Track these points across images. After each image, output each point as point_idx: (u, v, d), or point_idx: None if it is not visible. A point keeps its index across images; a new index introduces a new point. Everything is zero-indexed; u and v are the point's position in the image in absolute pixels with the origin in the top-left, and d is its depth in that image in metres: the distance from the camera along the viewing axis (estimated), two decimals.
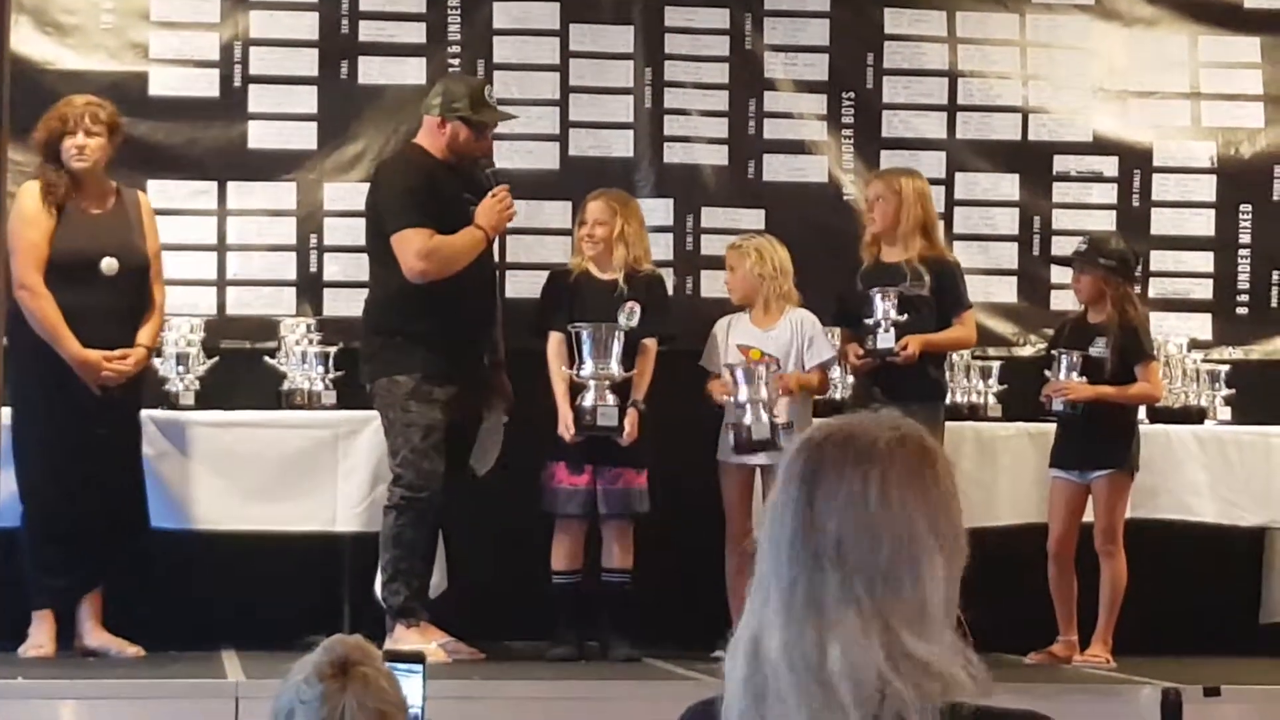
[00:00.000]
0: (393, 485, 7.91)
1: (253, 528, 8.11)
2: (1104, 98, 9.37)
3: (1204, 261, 9.40)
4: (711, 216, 9.08)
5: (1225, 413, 9.04)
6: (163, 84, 8.74)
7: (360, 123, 8.88)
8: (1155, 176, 9.38)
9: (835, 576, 2.26)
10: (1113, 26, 9.38)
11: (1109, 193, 9.37)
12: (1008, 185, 9.31)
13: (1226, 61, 9.43)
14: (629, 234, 8.20)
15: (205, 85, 8.78)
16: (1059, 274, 9.03)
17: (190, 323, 8.47)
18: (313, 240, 8.85)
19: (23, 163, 7.89)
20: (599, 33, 9.07)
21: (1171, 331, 9.16)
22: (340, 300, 8.74)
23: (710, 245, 8.96)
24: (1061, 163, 9.34)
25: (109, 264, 7.75)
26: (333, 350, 8.46)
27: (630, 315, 8.15)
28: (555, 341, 8.18)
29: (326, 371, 8.45)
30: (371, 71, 8.91)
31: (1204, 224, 9.41)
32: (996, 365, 8.99)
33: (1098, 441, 8.29)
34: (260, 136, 8.82)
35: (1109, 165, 9.36)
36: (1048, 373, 8.45)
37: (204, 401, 8.35)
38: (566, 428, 8.05)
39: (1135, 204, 9.37)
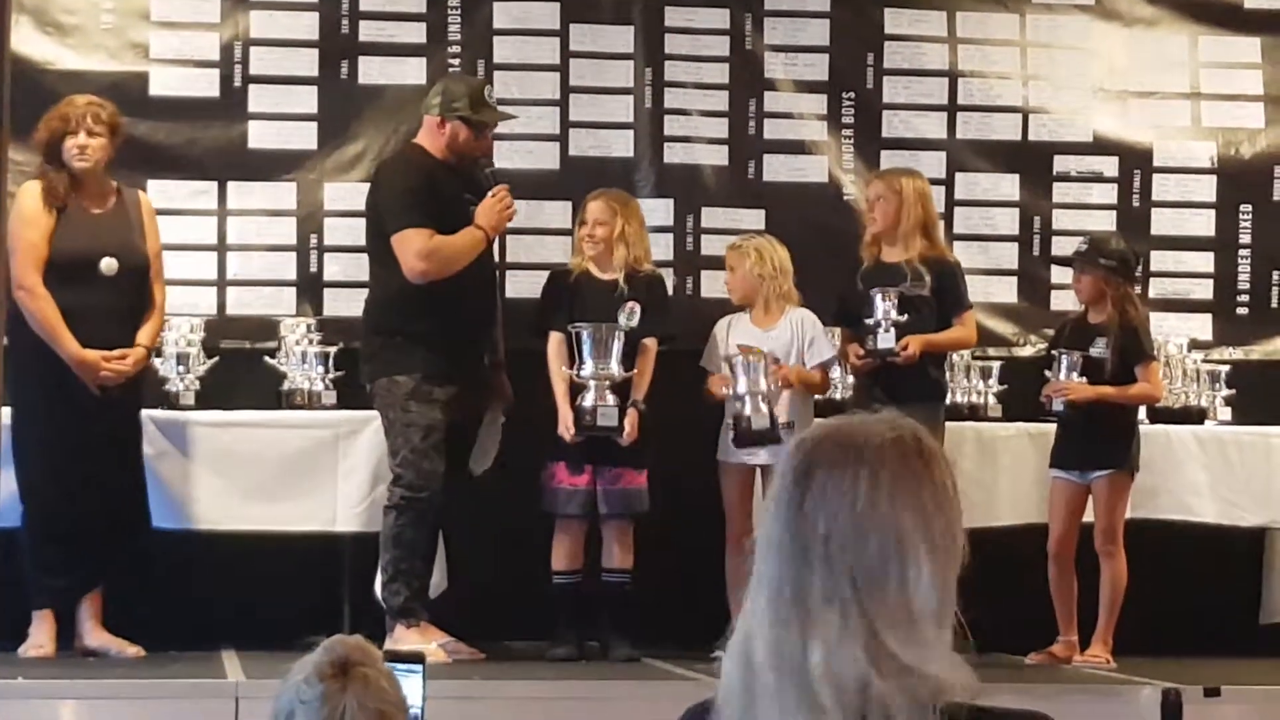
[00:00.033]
0: (393, 485, 7.91)
1: (253, 528, 8.11)
2: (1104, 98, 9.37)
3: (1204, 262, 9.40)
4: (712, 216, 9.08)
5: (1225, 413, 9.04)
6: (163, 84, 8.75)
7: (360, 123, 8.88)
8: (1155, 177, 9.39)
9: (821, 576, 2.26)
10: (1113, 26, 9.39)
11: (1109, 193, 9.37)
12: (1008, 185, 9.31)
13: (1227, 62, 9.43)
14: (629, 234, 8.20)
15: (205, 85, 8.78)
16: (1059, 274, 9.03)
17: (190, 323, 8.48)
18: (313, 240, 8.85)
19: (23, 163, 7.89)
20: (599, 33, 9.07)
21: (1172, 332, 9.16)
22: (340, 300, 8.74)
23: (710, 245, 8.96)
24: (1062, 163, 9.35)
25: (108, 264, 7.75)
26: (333, 350, 8.46)
27: (630, 315, 8.15)
28: (555, 341, 8.18)
29: (326, 371, 8.46)
30: (372, 71, 8.91)
31: (1204, 224, 9.41)
32: (997, 365, 9.00)
33: (1098, 442, 8.29)
34: (260, 136, 8.83)
35: (1109, 165, 9.36)
36: (1048, 373, 8.45)
37: (204, 401, 8.35)
38: (566, 428, 8.05)
39: (1135, 204, 9.37)
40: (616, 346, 8.08)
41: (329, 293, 8.82)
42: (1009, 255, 9.29)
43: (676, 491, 8.26)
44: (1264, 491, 8.80)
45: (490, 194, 7.97)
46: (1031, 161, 9.30)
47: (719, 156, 9.11)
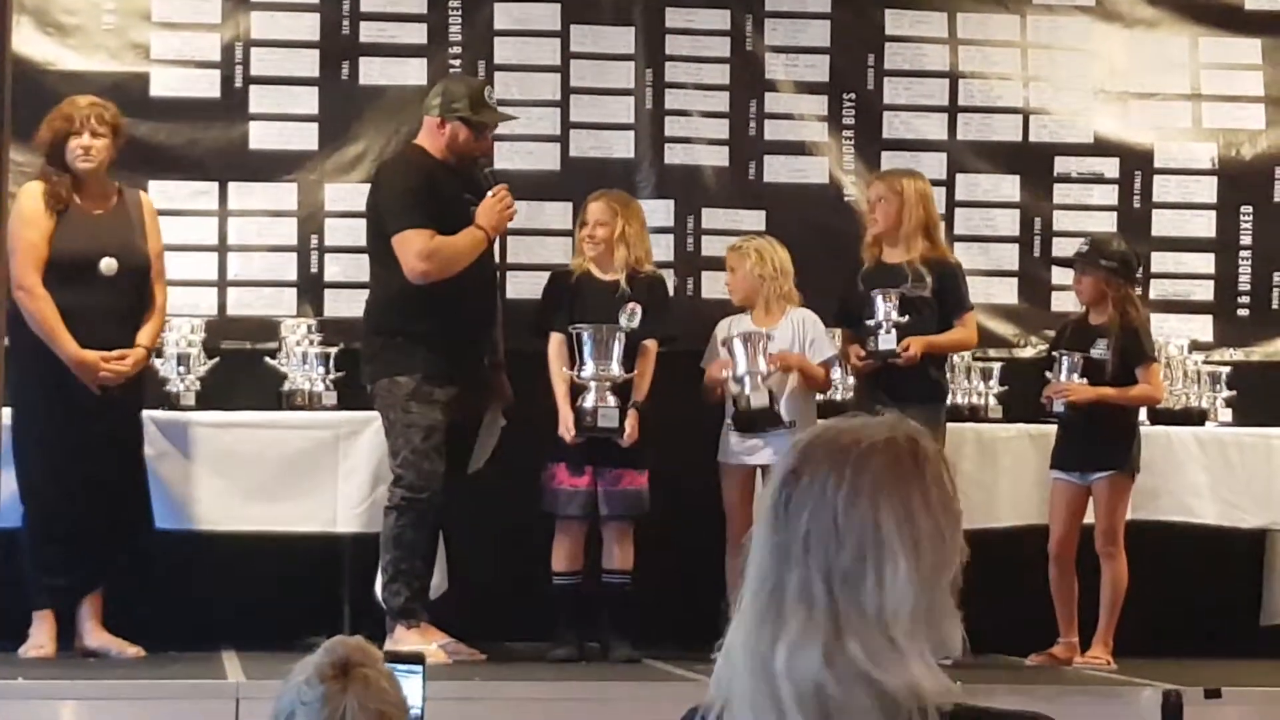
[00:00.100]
0: (393, 486, 7.91)
1: (253, 528, 8.11)
2: (1105, 99, 9.37)
3: (1205, 263, 9.40)
4: (712, 217, 9.08)
5: (1226, 414, 9.04)
6: (164, 85, 8.75)
7: (361, 123, 8.88)
8: (1156, 178, 9.39)
9: (798, 574, 2.26)
10: (1114, 28, 9.39)
11: (1110, 194, 9.37)
12: (1008, 186, 9.31)
13: (1227, 63, 9.43)
14: (630, 235, 8.20)
15: (206, 86, 8.78)
16: (1060, 275, 9.03)
17: (191, 323, 8.48)
18: (313, 241, 8.85)
19: (24, 163, 7.89)
20: (600, 34, 9.07)
21: (1172, 333, 9.16)
22: (341, 301, 8.74)
23: (711, 246, 8.96)
24: (1062, 164, 9.35)
25: (108, 264, 7.75)
26: (333, 351, 8.46)
27: (631, 316, 8.14)
28: (556, 342, 8.18)
29: (327, 372, 8.46)
30: (372, 72, 8.91)
31: (1205, 225, 9.41)
32: (997, 366, 8.99)
33: (1098, 443, 8.29)
34: (261, 137, 8.83)
35: (1110, 167, 9.36)
36: (1049, 374, 8.45)
37: (204, 402, 8.35)
38: (567, 429, 8.05)
39: (1136, 205, 9.37)
40: (617, 348, 8.08)
41: (329, 293, 8.82)
42: (1009, 256, 9.29)
43: (677, 492, 8.26)
44: (1264, 493, 8.80)
45: (490, 194, 7.97)
46: (1032, 163, 9.30)
47: (719, 157, 9.11)
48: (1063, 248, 9.06)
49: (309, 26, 8.88)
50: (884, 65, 9.22)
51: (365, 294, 8.24)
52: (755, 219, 9.02)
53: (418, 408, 7.83)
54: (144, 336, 7.81)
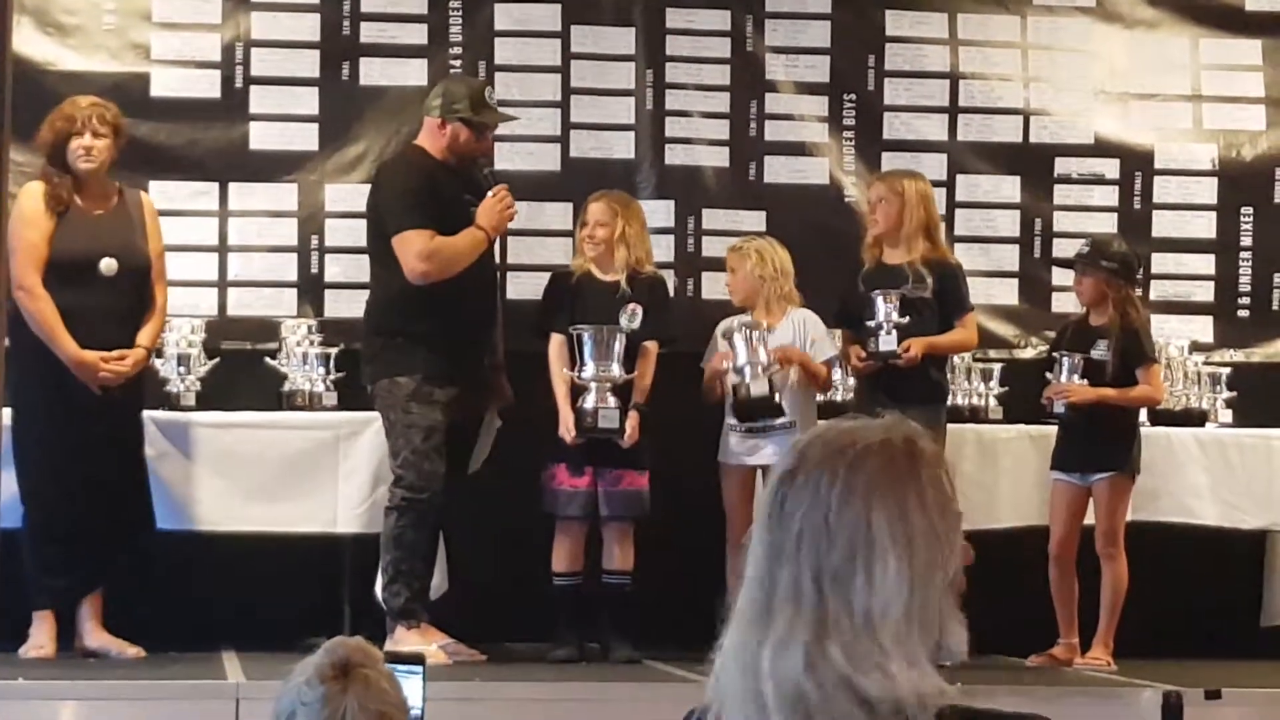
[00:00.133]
0: (393, 486, 7.91)
1: (253, 529, 8.11)
2: (1105, 100, 9.37)
3: (1205, 264, 9.40)
4: (712, 218, 9.08)
5: (1226, 415, 9.04)
6: (164, 85, 8.75)
7: (361, 124, 8.88)
8: (1156, 179, 9.39)
9: (789, 574, 2.25)
10: (1114, 29, 9.39)
11: (1110, 195, 9.37)
12: (1009, 187, 9.31)
13: (1228, 64, 9.43)
14: (630, 235, 8.20)
15: (207, 86, 8.78)
16: (1060, 276, 9.03)
17: (191, 323, 8.48)
18: (314, 241, 8.85)
19: (24, 164, 7.89)
20: (600, 34, 9.07)
21: (1173, 334, 9.16)
22: (341, 301, 8.74)
23: (711, 247, 8.96)
24: (1063, 165, 9.34)
25: (108, 264, 7.75)
26: (334, 351, 8.46)
27: (632, 317, 8.14)
28: (557, 343, 8.18)
29: (327, 373, 8.46)
30: (373, 73, 8.91)
31: (1205, 226, 9.41)
32: (998, 367, 8.99)
33: (1099, 444, 8.29)
34: (261, 137, 8.83)
35: (1110, 167, 9.36)
36: (1049, 375, 8.45)
37: (205, 402, 8.35)
38: (567, 430, 8.05)
39: (1136, 206, 9.37)
40: (618, 348, 8.08)
41: (330, 294, 8.82)
42: (1010, 257, 9.29)
43: (677, 493, 8.26)
44: (1265, 494, 8.80)
45: (490, 194, 7.97)
46: (1032, 163, 9.30)
47: (720, 158, 9.11)
48: (1063, 249, 9.06)
49: (309, 27, 8.88)
50: (884, 66, 9.22)
51: (366, 294, 8.24)
52: (755, 220, 9.02)
53: (418, 408, 7.83)
54: (144, 337, 7.81)
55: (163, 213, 8.15)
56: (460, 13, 8.96)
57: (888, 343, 8.17)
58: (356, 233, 8.39)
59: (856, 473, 2.27)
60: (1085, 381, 8.30)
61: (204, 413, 8.27)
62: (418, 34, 8.94)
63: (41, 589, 7.75)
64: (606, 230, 8.19)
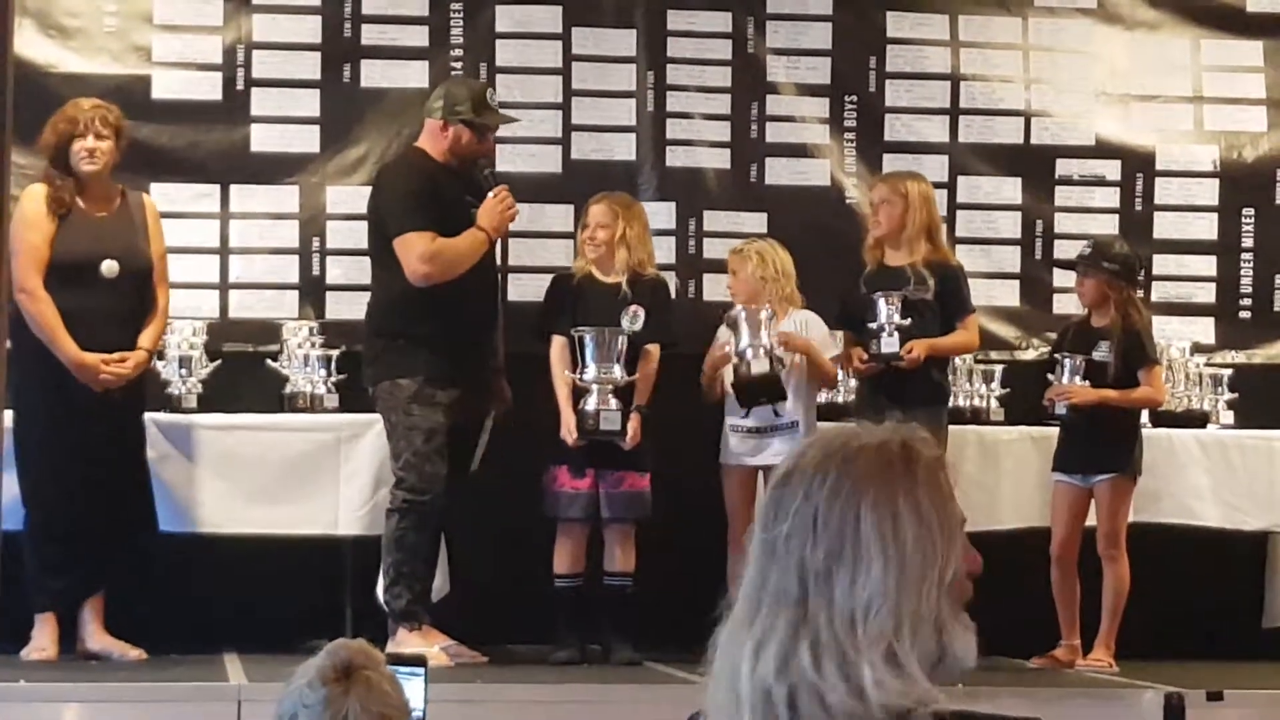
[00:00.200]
0: (395, 488, 7.91)
1: (255, 531, 8.11)
2: (1106, 101, 9.37)
3: (1206, 265, 9.40)
4: (714, 220, 9.08)
5: (1228, 417, 9.03)
6: (165, 87, 8.75)
7: (363, 126, 8.88)
8: (1158, 180, 9.38)
9: (776, 573, 2.25)
10: (1115, 30, 9.38)
11: (1111, 196, 9.37)
12: (1010, 189, 9.31)
13: (1229, 65, 9.43)
14: (631, 237, 8.19)
15: (208, 88, 8.78)
16: (1061, 278, 9.03)
17: (193, 326, 8.48)
18: (315, 243, 8.85)
19: (26, 166, 7.90)
20: (601, 36, 9.07)
21: (1174, 335, 9.16)
22: (342, 303, 8.74)
23: (712, 248, 8.96)
24: (1064, 166, 9.34)
25: (109, 266, 7.76)
26: (335, 353, 8.47)
27: (634, 319, 8.14)
28: (558, 345, 8.18)
29: (329, 375, 8.46)
30: (374, 75, 8.91)
31: (1206, 228, 9.41)
32: (999, 369, 8.99)
33: (1100, 445, 8.29)
34: (263, 140, 8.83)
35: (1111, 169, 9.36)
36: (1050, 376, 8.45)
37: (206, 404, 8.35)
38: (569, 432, 8.04)
39: (1138, 208, 9.37)
40: (619, 351, 8.08)
41: (331, 296, 8.82)
42: (1011, 259, 9.29)
43: (678, 494, 8.26)
44: (1266, 495, 8.80)
45: (491, 195, 7.97)
46: (1034, 165, 9.30)
47: (721, 160, 9.11)
48: (1064, 250, 9.06)
49: (311, 29, 8.88)
50: (885, 68, 9.22)
51: (367, 296, 8.24)
52: (757, 221, 9.02)
53: (419, 410, 7.83)
54: (145, 339, 7.81)
55: (164, 215, 8.15)
56: (461, 15, 8.96)
57: (889, 344, 8.17)
58: (358, 235, 8.39)
59: (848, 473, 2.26)
60: (1087, 383, 8.30)
61: (205, 415, 8.27)
62: (419, 36, 8.94)
63: (43, 591, 7.75)
64: (607, 232, 8.19)
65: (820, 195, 9.13)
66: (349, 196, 8.73)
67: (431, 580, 8.02)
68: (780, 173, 9.14)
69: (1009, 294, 9.25)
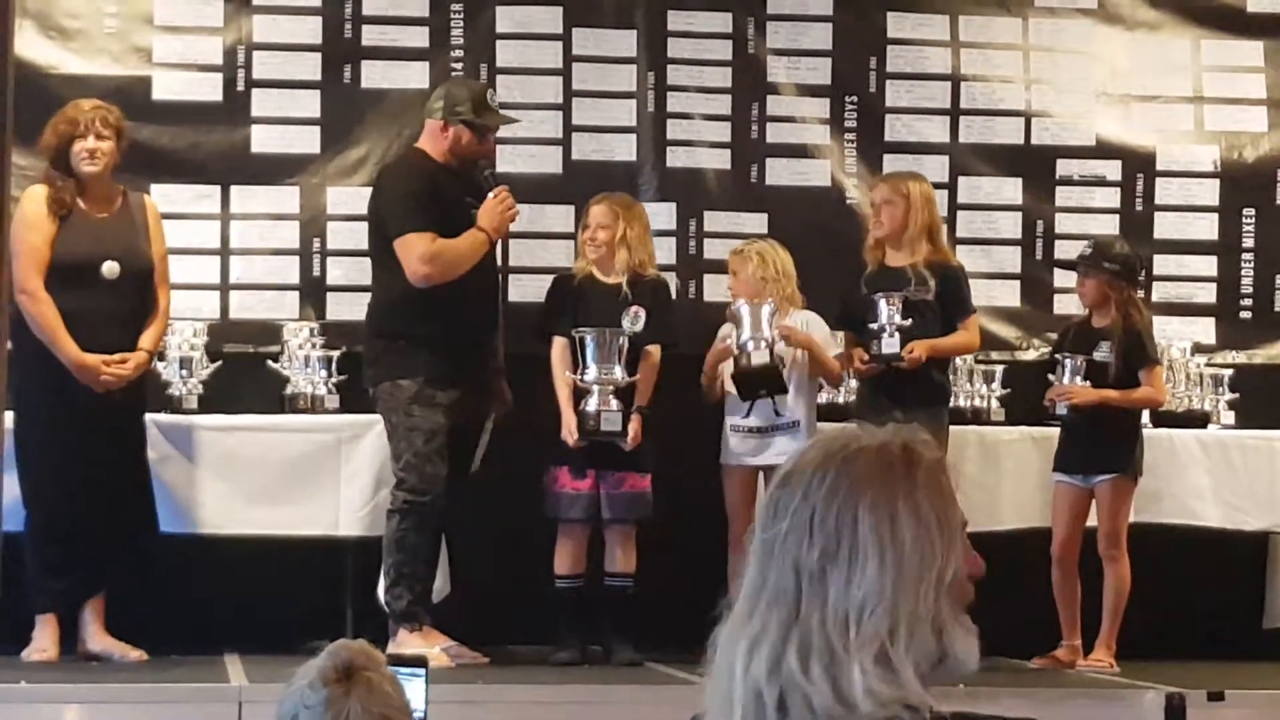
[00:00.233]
0: (395, 489, 7.91)
1: (255, 532, 8.11)
2: (1107, 102, 9.37)
3: (1207, 266, 9.40)
4: (714, 220, 9.08)
5: (1229, 417, 9.03)
6: (166, 88, 8.75)
7: (363, 127, 8.88)
8: (1158, 180, 9.38)
9: (774, 573, 2.25)
10: (1115, 30, 9.38)
11: (1112, 197, 9.37)
12: (1010, 189, 9.31)
13: (1229, 65, 9.43)
14: (631, 238, 8.19)
15: (208, 89, 8.79)
16: (1062, 278, 9.03)
17: (193, 327, 8.48)
18: (315, 244, 8.85)
19: (26, 167, 7.90)
20: (601, 37, 9.07)
21: (1175, 335, 9.16)
22: (343, 304, 8.74)
23: (713, 249, 8.96)
24: (1064, 166, 9.34)
25: (110, 268, 7.76)
26: (335, 354, 8.47)
27: (635, 320, 8.14)
28: (559, 346, 8.18)
29: (329, 375, 8.46)
30: (374, 76, 8.91)
31: (1207, 228, 9.41)
32: (1000, 369, 8.99)
33: (1101, 446, 8.29)
34: (263, 141, 8.83)
35: (1112, 169, 9.36)
36: (1051, 377, 8.45)
37: (207, 405, 8.35)
38: (570, 433, 8.04)
39: (1138, 208, 9.37)
40: (620, 351, 8.08)
41: (332, 297, 8.83)
42: (1012, 259, 9.29)
43: (679, 495, 8.26)
44: (1267, 495, 8.80)
45: (491, 195, 7.97)
46: (1034, 165, 9.30)
47: (721, 160, 9.11)
48: (1065, 250, 9.06)
49: (311, 30, 8.88)
50: (886, 68, 9.22)
51: (367, 297, 8.24)
52: (757, 222, 9.02)
53: (420, 411, 7.83)
54: (146, 340, 7.82)
55: (164, 216, 8.15)
56: (462, 16, 8.96)
57: (890, 345, 8.17)
58: (358, 236, 8.39)
59: (847, 473, 2.26)
60: (1088, 383, 8.30)
61: (206, 416, 8.27)
62: (419, 37, 8.94)
63: (44, 592, 7.75)
64: (608, 233, 8.19)
65: (821, 196, 9.13)
66: (349, 197, 8.74)
67: (432, 581, 8.02)
68: (781, 173, 9.14)
69: (1010, 294, 9.25)
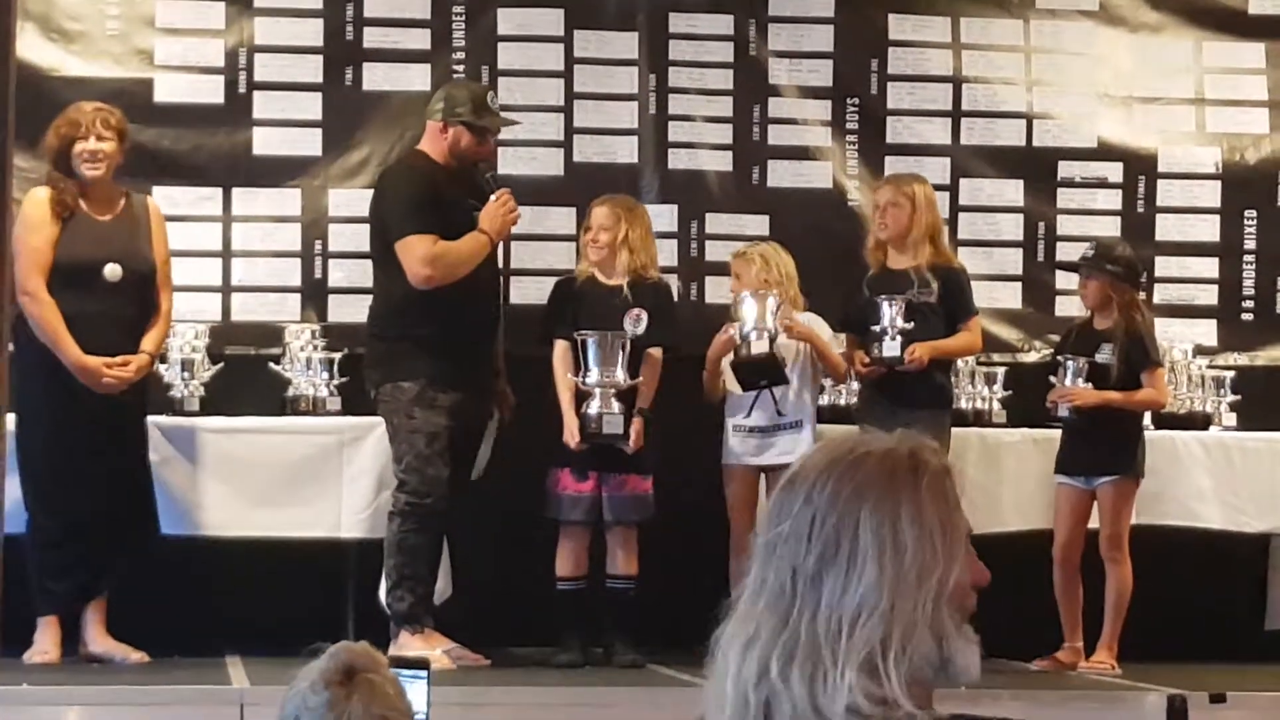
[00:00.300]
0: (397, 491, 7.91)
1: (257, 534, 8.11)
2: (1109, 103, 9.37)
3: (1209, 267, 9.40)
4: (716, 222, 9.08)
5: (1230, 419, 9.03)
6: (168, 90, 8.75)
7: (365, 129, 8.88)
8: (1160, 182, 9.38)
9: (773, 574, 2.25)
10: (1117, 32, 9.38)
11: (1114, 198, 9.37)
12: (1012, 191, 9.31)
13: (1231, 67, 9.43)
14: (633, 240, 8.19)
15: (210, 92, 8.79)
16: (1064, 280, 9.03)
17: (195, 329, 8.48)
18: (317, 246, 8.85)
19: (28, 169, 7.90)
20: (603, 39, 9.07)
21: (1176, 337, 9.16)
22: (345, 306, 8.74)
23: (714, 251, 8.96)
24: (1066, 168, 9.34)
25: (112, 270, 7.76)
26: (337, 356, 8.47)
27: (637, 323, 8.14)
28: (561, 349, 8.17)
29: (331, 377, 8.46)
30: (376, 78, 8.91)
31: (1209, 230, 9.41)
32: (1001, 371, 8.98)
33: (1103, 447, 8.28)
34: (265, 143, 8.83)
35: (1114, 171, 9.36)
36: (1053, 379, 8.44)
37: (209, 408, 8.35)
38: (572, 435, 8.04)
39: (1140, 210, 9.37)
40: (622, 354, 8.07)
41: (333, 299, 8.83)
42: (1014, 261, 9.29)
43: (680, 497, 8.26)
44: (1269, 497, 8.79)
45: (493, 197, 7.97)
46: (1036, 167, 9.30)
47: (723, 162, 9.11)
48: (1067, 252, 9.05)
49: (313, 32, 8.88)
50: (887, 70, 9.22)
51: (369, 299, 8.24)
52: (759, 224, 9.02)
53: (421, 413, 7.83)
54: (148, 342, 7.81)
55: (167, 218, 8.15)
56: (463, 18, 8.96)
57: (892, 348, 8.17)
58: (360, 238, 8.39)
59: (850, 477, 2.26)
60: (1089, 385, 8.30)
61: (208, 418, 8.27)
62: (421, 39, 8.95)
63: (45, 594, 7.75)
64: (610, 235, 8.19)
65: (822, 198, 9.13)
66: (351, 199, 8.74)
67: (434, 583, 8.02)
68: (782, 175, 9.14)
69: (1011, 296, 9.25)
